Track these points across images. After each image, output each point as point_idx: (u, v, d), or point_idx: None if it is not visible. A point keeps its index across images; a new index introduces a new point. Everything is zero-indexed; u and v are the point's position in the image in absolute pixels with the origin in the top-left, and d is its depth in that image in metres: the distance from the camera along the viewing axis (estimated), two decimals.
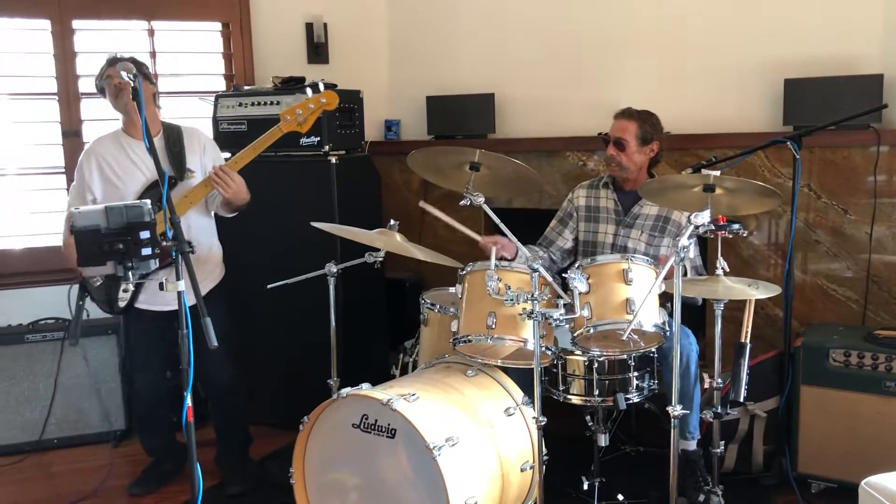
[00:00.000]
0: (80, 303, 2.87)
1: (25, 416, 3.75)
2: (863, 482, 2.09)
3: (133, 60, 3.05)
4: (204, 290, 3.16)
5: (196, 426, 3.84)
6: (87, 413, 3.81)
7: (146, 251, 2.16)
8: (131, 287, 2.14)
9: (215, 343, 2.04)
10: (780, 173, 3.59)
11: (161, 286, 2.11)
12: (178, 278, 2.10)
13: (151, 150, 2.20)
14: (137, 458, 3.60)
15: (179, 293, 2.11)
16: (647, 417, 3.38)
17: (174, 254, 2.10)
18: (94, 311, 3.85)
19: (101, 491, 3.35)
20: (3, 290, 3.95)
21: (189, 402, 2.13)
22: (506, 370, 2.83)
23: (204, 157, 3.14)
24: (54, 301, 3.89)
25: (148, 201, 2.18)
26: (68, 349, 3.76)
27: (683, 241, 2.32)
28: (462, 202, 2.57)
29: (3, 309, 3.91)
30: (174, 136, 3.13)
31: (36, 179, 4.06)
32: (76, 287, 3.00)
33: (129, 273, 2.12)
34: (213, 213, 3.23)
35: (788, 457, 3.09)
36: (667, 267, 2.36)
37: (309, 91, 3.45)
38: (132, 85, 2.28)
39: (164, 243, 2.11)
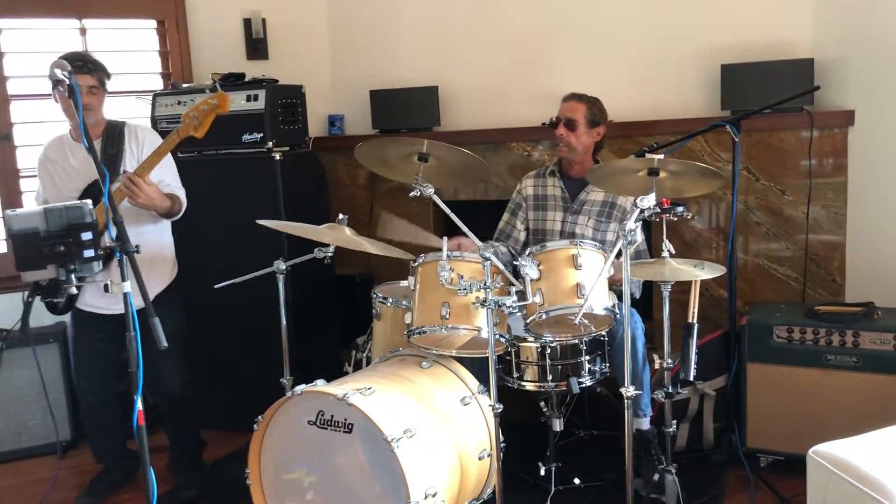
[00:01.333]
0: (30, 299, 2.79)
1: None
2: (810, 451, 2.16)
3: (98, 61, 3.02)
4: (156, 290, 3.14)
5: (147, 432, 3.80)
6: (29, 425, 3.68)
7: (88, 253, 2.09)
8: (73, 290, 2.08)
9: (165, 344, 1.99)
10: (720, 157, 3.67)
11: (106, 288, 2.05)
12: (123, 279, 2.04)
13: (91, 150, 2.13)
14: (85, 468, 3.51)
15: (125, 294, 2.05)
16: (600, 401, 3.43)
17: (118, 254, 2.03)
18: (36, 319, 3.77)
19: None
20: None
21: (140, 405, 2.07)
22: (461, 360, 2.84)
23: (142, 156, 3.03)
24: None
25: (89, 201, 2.12)
26: (7, 360, 3.63)
27: (630, 224, 2.35)
28: (412, 193, 2.57)
29: None
30: (114, 137, 3.05)
31: None
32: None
33: (72, 276, 2.05)
34: None
35: (738, 433, 3.17)
36: (615, 251, 2.39)
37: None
38: (68, 82, 2.20)
39: (107, 244, 2.05)
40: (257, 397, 2.74)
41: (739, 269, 3.64)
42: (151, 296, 3.07)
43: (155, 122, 3.77)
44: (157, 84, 4.16)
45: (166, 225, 3.20)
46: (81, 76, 2.93)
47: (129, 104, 3.99)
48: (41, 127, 3.94)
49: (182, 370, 3.24)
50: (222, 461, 3.49)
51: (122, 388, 3.31)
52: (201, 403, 3.41)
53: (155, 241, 3.13)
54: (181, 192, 3.12)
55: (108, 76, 3.08)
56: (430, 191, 2.54)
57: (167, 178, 3.07)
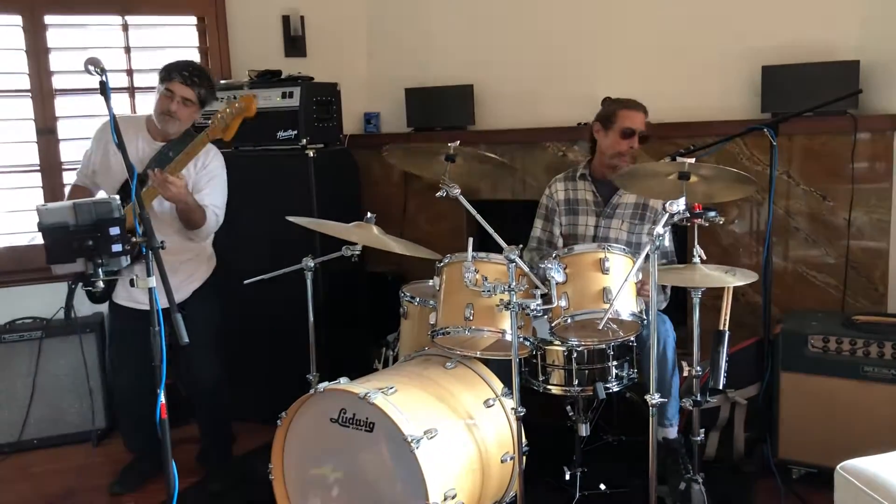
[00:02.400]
0: (73, 286, 2.87)
1: (4, 417, 3.71)
2: (838, 467, 2.10)
3: (211, 81, 3.09)
4: (195, 285, 3.20)
5: (178, 423, 3.86)
6: (67, 412, 3.77)
7: (117, 248, 2.13)
8: (101, 284, 2.14)
9: (186, 340, 2.02)
10: (759, 160, 3.59)
11: (132, 282, 2.09)
12: (148, 274, 2.07)
13: (120, 146, 2.18)
14: (119, 456, 3.58)
15: (151, 290, 2.08)
16: (629, 406, 3.38)
17: (144, 250, 2.06)
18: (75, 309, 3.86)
19: (81, 490, 3.32)
20: None
21: (162, 399, 2.10)
22: (486, 362, 2.82)
23: (197, 173, 3.07)
24: (31, 300, 3.87)
25: (117, 197, 2.16)
26: (47, 349, 3.72)
27: (659, 229, 2.30)
28: (438, 194, 2.56)
29: None
30: (181, 143, 3.07)
31: (11, 178, 4.00)
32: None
33: (100, 270, 2.09)
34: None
35: (769, 443, 3.10)
36: (642, 255, 2.35)
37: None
38: (101, 79, 2.24)
39: (134, 239, 2.08)
40: (289, 391, 2.75)
41: (778, 275, 3.56)
42: (190, 290, 3.18)
43: None
44: None
45: None
46: (180, 86, 3.01)
47: None
48: (85, 121, 4.04)
49: (217, 364, 3.29)
50: (251, 455, 3.52)
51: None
52: (234, 396, 3.45)
53: (188, 238, 3.16)
54: (212, 215, 3.09)
55: (213, 96, 3.11)
56: (457, 191, 2.53)
57: (206, 198, 3.07)
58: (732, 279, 2.58)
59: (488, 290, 2.43)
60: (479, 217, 2.50)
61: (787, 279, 3.63)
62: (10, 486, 3.44)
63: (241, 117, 2.84)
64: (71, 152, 4.02)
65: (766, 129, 2.94)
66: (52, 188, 4.00)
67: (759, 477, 3.12)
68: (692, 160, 2.45)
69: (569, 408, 2.97)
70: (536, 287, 2.51)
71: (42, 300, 3.86)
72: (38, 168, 3.99)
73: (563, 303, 2.53)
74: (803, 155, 3.54)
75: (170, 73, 3.04)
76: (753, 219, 3.69)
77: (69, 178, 4.03)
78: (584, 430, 2.94)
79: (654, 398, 2.42)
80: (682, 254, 3.48)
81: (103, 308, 3.96)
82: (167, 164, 3.01)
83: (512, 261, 2.40)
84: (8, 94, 3.95)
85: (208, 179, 3.09)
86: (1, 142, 3.98)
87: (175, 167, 2.88)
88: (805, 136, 3.51)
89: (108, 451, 3.72)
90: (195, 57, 4.24)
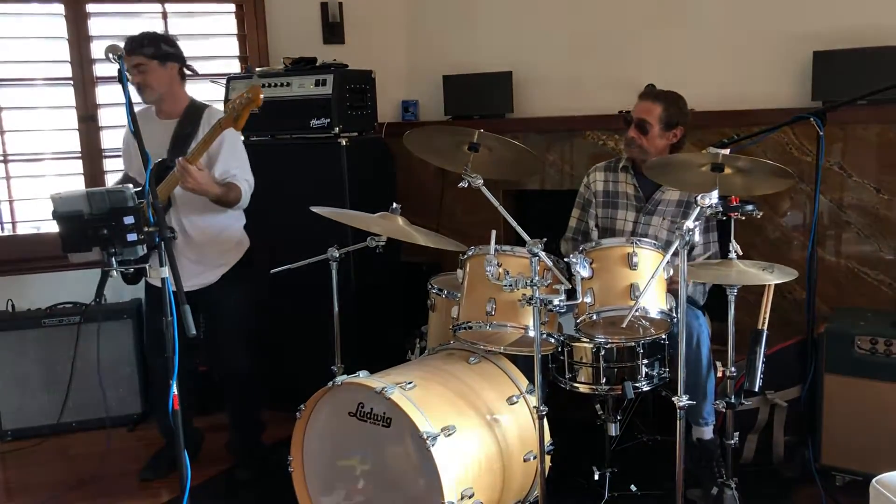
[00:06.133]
0: (107, 269, 2.88)
1: (45, 400, 3.79)
2: (874, 480, 1.97)
3: (152, 37, 3.02)
4: (221, 270, 3.19)
5: (211, 410, 3.88)
6: (106, 396, 3.81)
7: (131, 237, 2.12)
8: (114, 273, 2.13)
9: (193, 332, 2.00)
10: (808, 151, 3.42)
11: (147, 272, 2.08)
12: (161, 264, 2.06)
13: (136, 134, 2.17)
14: (153, 441, 3.62)
15: (163, 279, 2.07)
16: (666, 405, 3.25)
17: (157, 239, 2.05)
18: (112, 295, 3.93)
19: (114, 474, 3.38)
20: (20, 274, 3.98)
21: (175, 390, 2.09)
22: (512, 358, 2.75)
23: (215, 149, 3.02)
24: (71, 285, 3.93)
25: (130, 185, 2.15)
26: (86, 333, 3.78)
27: (689, 223, 2.19)
28: (460, 184, 2.49)
29: (20, 293, 3.94)
30: (192, 118, 3.07)
31: (54, 164, 4.07)
32: None
33: (113, 259, 2.09)
34: None
35: (811, 448, 2.96)
36: (671, 251, 2.24)
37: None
38: (119, 67, 2.24)
39: (147, 228, 2.07)
40: (322, 380, 2.68)
41: (828, 272, 3.40)
42: (218, 274, 3.17)
43: None
44: (235, 68, 4.22)
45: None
46: (128, 58, 2.96)
47: (205, 88, 4.05)
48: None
49: (244, 351, 3.27)
50: (280, 444, 3.51)
51: (192, 366, 3.40)
52: (268, 384, 3.43)
53: (219, 222, 3.16)
54: (244, 184, 3.08)
55: (160, 50, 3.01)
56: (479, 182, 2.45)
57: (233, 167, 3.06)
58: (770, 276, 2.45)
59: (510, 285, 2.35)
60: (501, 209, 2.42)
61: (838, 276, 3.45)
62: (48, 467, 3.52)
63: (250, 107, 2.78)
64: (112, 139, 4.07)
65: (812, 118, 2.79)
66: (93, 175, 4.06)
67: (800, 483, 2.98)
68: (726, 151, 2.32)
69: (598, 406, 2.88)
70: (561, 282, 2.42)
71: (85, 285, 3.91)
72: (80, 155, 4.04)
73: (588, 299, 2.43)
74: (856, 145, 3.35)
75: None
76: (806, 212, 3.52)
77: (110, 164, 4.10)
78: (613, 429, 2.85)
79: (681, 400, 2.31)
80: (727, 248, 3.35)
81: (142, 293, 4.02)
82: (186, 144, 3.00)
83: (535, 254, 2.32)
84: (51, 83, 4.01)
85: (219, 151, 3.03)
86: (44, 129, 4.04)
87: (193, 156, 2.86)
88: (859, 125, 3.33)
89: (145, 436, 3.77)
90: (234, 45, 4.25)
